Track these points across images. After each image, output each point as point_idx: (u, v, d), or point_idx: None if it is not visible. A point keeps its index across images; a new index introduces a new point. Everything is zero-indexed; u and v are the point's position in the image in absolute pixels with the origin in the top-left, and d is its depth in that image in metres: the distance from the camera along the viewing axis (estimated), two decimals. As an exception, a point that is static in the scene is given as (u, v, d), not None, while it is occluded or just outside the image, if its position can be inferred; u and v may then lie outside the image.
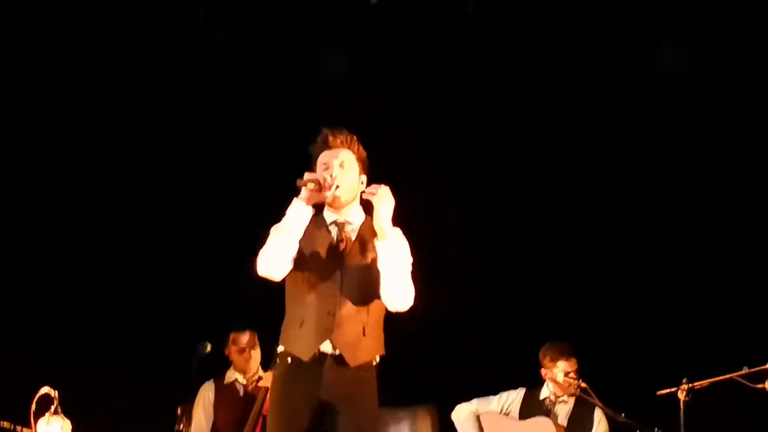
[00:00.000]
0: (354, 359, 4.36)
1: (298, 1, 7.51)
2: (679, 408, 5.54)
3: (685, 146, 7.42)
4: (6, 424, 5.53)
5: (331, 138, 4.52)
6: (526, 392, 6.55)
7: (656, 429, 5.69)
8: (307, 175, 4.41)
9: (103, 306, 7.51)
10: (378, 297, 4.40)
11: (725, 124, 7.35)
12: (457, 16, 7.50)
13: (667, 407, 5.61)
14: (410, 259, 4.45)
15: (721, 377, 5.52)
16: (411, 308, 4.52)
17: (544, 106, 7.63)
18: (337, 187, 4.43)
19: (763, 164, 7.28)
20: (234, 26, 7.61)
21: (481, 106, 7.74)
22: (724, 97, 7.31)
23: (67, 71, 7.46)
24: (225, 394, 6.65)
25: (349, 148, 4.52)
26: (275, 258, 4.35)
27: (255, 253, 4.40)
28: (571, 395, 6.39)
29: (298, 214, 4.38)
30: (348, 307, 4.37)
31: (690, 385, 5.55)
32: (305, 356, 4.35)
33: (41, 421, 5.30)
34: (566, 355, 6.37)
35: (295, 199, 4.40)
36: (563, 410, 6.40)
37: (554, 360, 6.38)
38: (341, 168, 4.46)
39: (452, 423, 6.57)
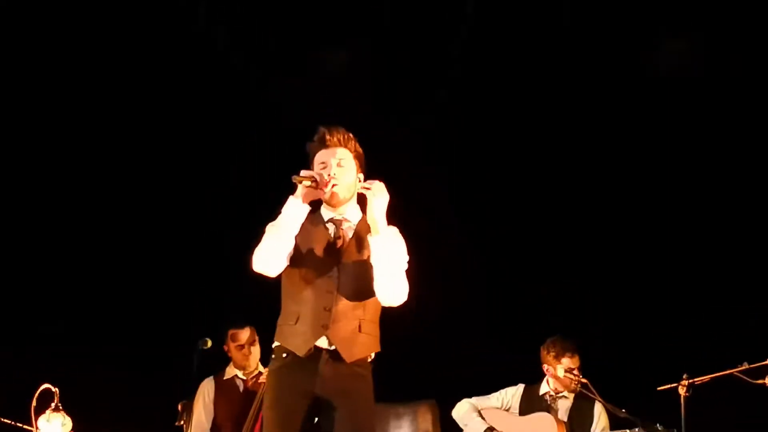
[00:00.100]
0: (350, 355, 4.37)
1: (298, 1, 7.52)
2: (680, 403, 5.55)
3: (685, 146, 7.43)
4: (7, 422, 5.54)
5: (328, 136, 4.53)
6: (525, 388, 6.54)
7: (657, 424, 5.68)
8: (303, 173, 4.42)
9: (104, 304, 7.51)
10: (374, 294, 4.41)
11: (725, 124, 7.36)
12: (456, 16, 7.51)
13: (667, 403, 5.61)
14: (405, 257, 4.45)
15: (722, 373, 5.53)
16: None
17: (544, 106, 7.64)
18: (335, 185, 4.43)
19: (762, 163, 7.29)
20: (234, 26, 7.63)
21: (481, 106, 7.75)
22: (724, 96, 7.33)
23: (67, 72, 7.47)
24: (225, 390, 6.63)
25: (346, 146, 4.53)
26: (271, 255, 4.36)
27: (253, 251, 4.41)
28: (572, 391, 6.39)
29: (293, 211, 4.39)
30: (344, 304, 4.38)
31: (690, 380, 5.56)
32: (301, 352, 4.36)
33: (42, 418, 5.31)
34: (570, 352, 6.36)
35: (291, 196, 4.42)
36: (563, 406, 6.40)
37: (558, 357, 6.36)
38: (339, 166, 4.47)
39: (453, 419, 6.56)
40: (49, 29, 7.34)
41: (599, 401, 6.21)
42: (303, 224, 4.41)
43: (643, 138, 7.50)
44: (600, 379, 6.22)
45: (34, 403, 5.28)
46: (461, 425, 6.53)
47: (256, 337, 6.60)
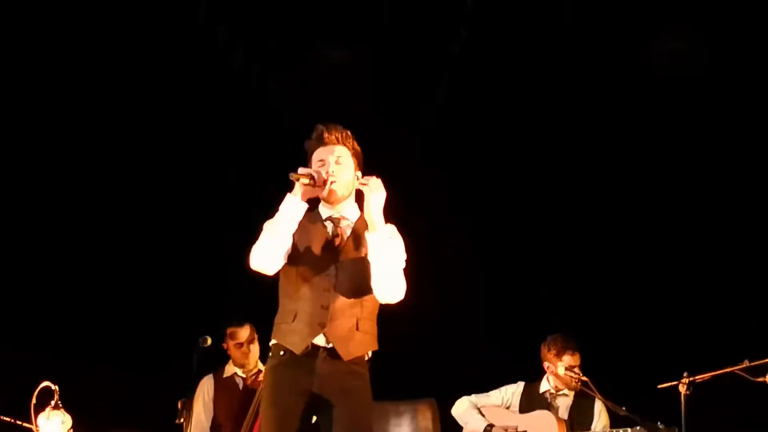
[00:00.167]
0: (347, 353, 4.37)
1: (298, 1, 7.53)
2: (680, 401, 5.54)
3: (685, 146, 7.44)
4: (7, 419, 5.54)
5: (326, 134, 4.53)
6: (525, 386, 6.53)
7: (658, 422, 5.68)
8: (301, 170, 4.42)
9: (104, 304, 7.51)
10: (371, 291, 4.40)
11: (725, 124, 7.37)
12: (456, 16, 7.52)
13: (668, 401, 5.61)
14: (403, 255, 4.44)
15: (722, 371, 5.52)
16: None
17: (544, 106, 7.65)
18: (333, 182, 4.44)
19: (762, 163, 7.30)
20: (234, 27, 7.64)
21: (481, 106, 7.76)
22: (724, 96, 7.34)
23: (66, 71, 7.47)
24: (224, 388, 6.62)
25: (344, 144, 4.53)
26: (268, 253, 4.36)
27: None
28: (572, 389, 6.38)
29: (291, 209, 4.38)
30: (342, 301, 4.38)
31: (691, 378, 5.55)
32: (298, 349, 4.35)
33: (42, 416, 5.31)
34: (571, 350, 6.34)
35: (288, 194, 4.41)
36: (564, 403, 6.39)
37: (559, 354, 6.35)
38: (337, 164, 4.47)
39: (453, 418, 6.55)
40: (49, 29, 7.33)
41: (600, 399, 6.21)
42: (301, 222, 4.40)
43: (642, 138, 7.52)
44: (600, 377, 6.21)
45: (33, 401, 5.28)
46: (461, 423, 6.52)
47: (255, 335, 6.59)
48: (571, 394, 6.40)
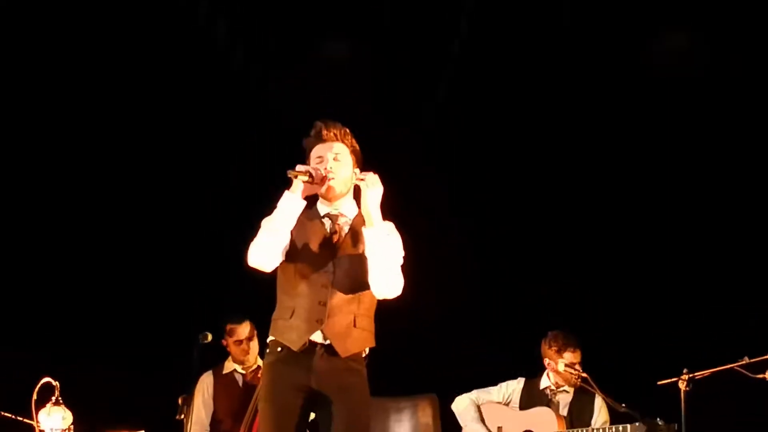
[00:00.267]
0: (344, 350, 4.37)
1: (298, 1, 7.55)
2: (680, 398, 5.55)
3: (685, 145, 7.44)
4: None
5: (325, 131, 4.54)
6: (525, 382, 6.52)
7: (657, 419, 5.67)
8: (298, 167, 4.43)
9: (104, 304, 7.50)
10: (369, 287, 4.41)
11: (725, 124, 7.38)
12: (456, 15, 7.54)
13: (667, 397, 5.61)
14: (401, 251, 4.44)
15: (722, 367, 5.53)
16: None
17: (544, 105, 7.66)
18: (332, 178, 4.44)
19: (762, 163, 7.30)
20: (234, 26, 7.65)
21: (481, 106, 7.76)
22: (724, 96, 7.34)
23: (66, 71, 7.48)
24: (224, 385, 6.62)
25: (342, 141, 4.54)
26: (266, 250, 4.37)
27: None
28: (573, 386, 6.38)
29: (289, 206, 4.39)
30: (339, 298, 4.38)
31: (691, 375, 5.56)
32: (295, 346, 4.36)
33: (42, 412, 5.31)
34: (572, 347, 6.33)
35: (286, 191, 4.42)
36: (564, 400, 6.38)
37: (560, 352, 6.34)
38: (335, 160, 4.48)
39: (453, 413, 6.55)
40: (49, 29, 7.34)
41: (600, 395, 6.21)
42: (299, 219, 4.41)
43: (642, 137, 7.52)
44: (600, 375, 6.21)
45: (34, 397, 5.28)
46: (460, 423, 6.51)
47: (255, 332, 6.58)
48: (571, 390, 6.39)
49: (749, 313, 6.94)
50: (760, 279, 7.05)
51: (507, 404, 6.49)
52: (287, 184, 4.41)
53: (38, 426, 5.30)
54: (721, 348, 5.86)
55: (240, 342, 6.58)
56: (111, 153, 7.62)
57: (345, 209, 4.54)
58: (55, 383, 5.32)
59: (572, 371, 6.27)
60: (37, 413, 5.30)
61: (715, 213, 7.32)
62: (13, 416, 5.51)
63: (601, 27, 7.44)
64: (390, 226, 4.46)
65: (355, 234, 4.46)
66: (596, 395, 6.25)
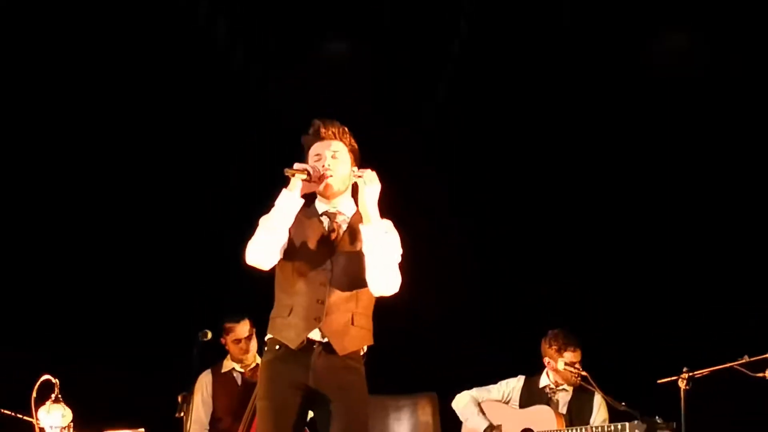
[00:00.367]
0: (342, 348, 4.36)
1: (298, 1, 7.55)
2: (680, 397, 5.55)
3: (685, 145, 7.45)
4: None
5: (323, 129, 4.54)
6: (525, 380, 6.52)
7: (656, 417, 5.68)
8: (296, 166, 4.42)
9: (104, 304, 7.50)
10: (366, 285, 4.40)
11: (725, 124, 7.38)
12: (456, 15, 7.54)
13: (667, 396, 5.61)
14: (399, 249, 4.44)
15: (722, 366, 5.53)
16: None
17: (544, 105, 7.66)
18: (330, 176, 4.44)
19: (762, 163, 7.31)
20: (234, 26, 7.65)
21: (481, 106, 7.77)
22: (724, 96, 7.35)
23: (66, 71, 7.48)
24: (223, 383, 6.59)
25: (340, 139, 4.54)
26: (264, 248, 4.36)
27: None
28: (572, 384, 6.37)
29: (287, 204, 4.38)
30: (337, 296, 4.38)
31: (690, 373, 5.56)
32: (293, 344, 4.35)
33: (42, 409, 5.31)
34: (572, 347, 6.32)
35: (284, 189, 4.41)
36: (563, 398, 6.37)
37: (560, 351, 6.33)
38: (334, 158, 4.48)
39: (453, 413, 6.55)
40: (49, 28, 7.35)
41: (599, 393, 6.20)
42: (297, 217, 4.40)
43: (642, 137, 7.53)
44: (600, 373, 6.21)
45: (34, 395, 5.28)
46: (461, 418, 6.51)
47: (254, 331, 6.56)
48: (571, 389, 6.39)
49: (749, 313, 6.95)
50: (759, 279, 7.06)
51: (506, 402, 6.49)
52: (286, 183, 4.41)
53: (38, 423, 5.31)
54: (721, 347, 5.85)
55: (239, 340, 6.55)
56: (111, 153, 7.62)
57: (343, 207, 4.53)
58: (55, 381, 5.32)
59: (572, 370, 6.27)
60: (36, 411, 5.29)
61: (714, 213, 7.33)
62: (13, 414, 5.51)
63: (601, 27, 7.44)
64: (388, 223, 4.45)
65: (353, 232, 4.46)
66: (595, 393, 6.25)
